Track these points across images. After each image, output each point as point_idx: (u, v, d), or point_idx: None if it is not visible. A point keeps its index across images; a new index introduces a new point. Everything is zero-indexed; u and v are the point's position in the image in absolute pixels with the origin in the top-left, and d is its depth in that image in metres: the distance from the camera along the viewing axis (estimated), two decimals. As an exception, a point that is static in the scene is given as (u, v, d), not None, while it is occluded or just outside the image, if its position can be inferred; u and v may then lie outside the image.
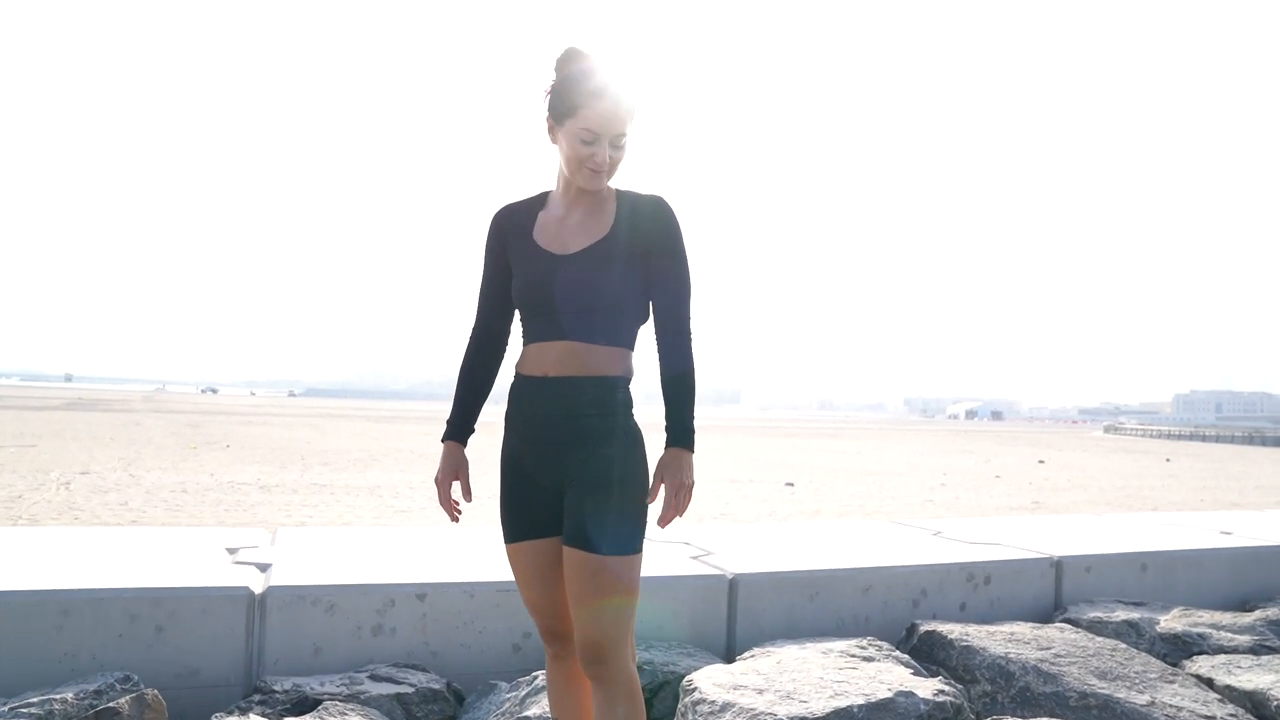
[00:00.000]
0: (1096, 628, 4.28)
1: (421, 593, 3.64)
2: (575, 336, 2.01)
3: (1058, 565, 4.86)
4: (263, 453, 20.58)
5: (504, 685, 3.23)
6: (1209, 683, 3.73)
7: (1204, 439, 64.11)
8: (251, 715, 2.80)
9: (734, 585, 4.10)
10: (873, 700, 2.93)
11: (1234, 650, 4.12)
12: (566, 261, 2.04)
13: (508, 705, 2.88)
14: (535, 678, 2.94)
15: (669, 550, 4.64)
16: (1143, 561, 5.13)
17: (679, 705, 3.12)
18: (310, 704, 3.04)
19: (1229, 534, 6.00)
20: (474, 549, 4.40)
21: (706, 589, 4.06)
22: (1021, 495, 16.48)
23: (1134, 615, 4.42)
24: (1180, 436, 67.11)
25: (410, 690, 3.22)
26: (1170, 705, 3.38)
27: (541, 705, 2.66)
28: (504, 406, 2.16)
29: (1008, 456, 31.64)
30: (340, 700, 3.05)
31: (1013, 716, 3.20)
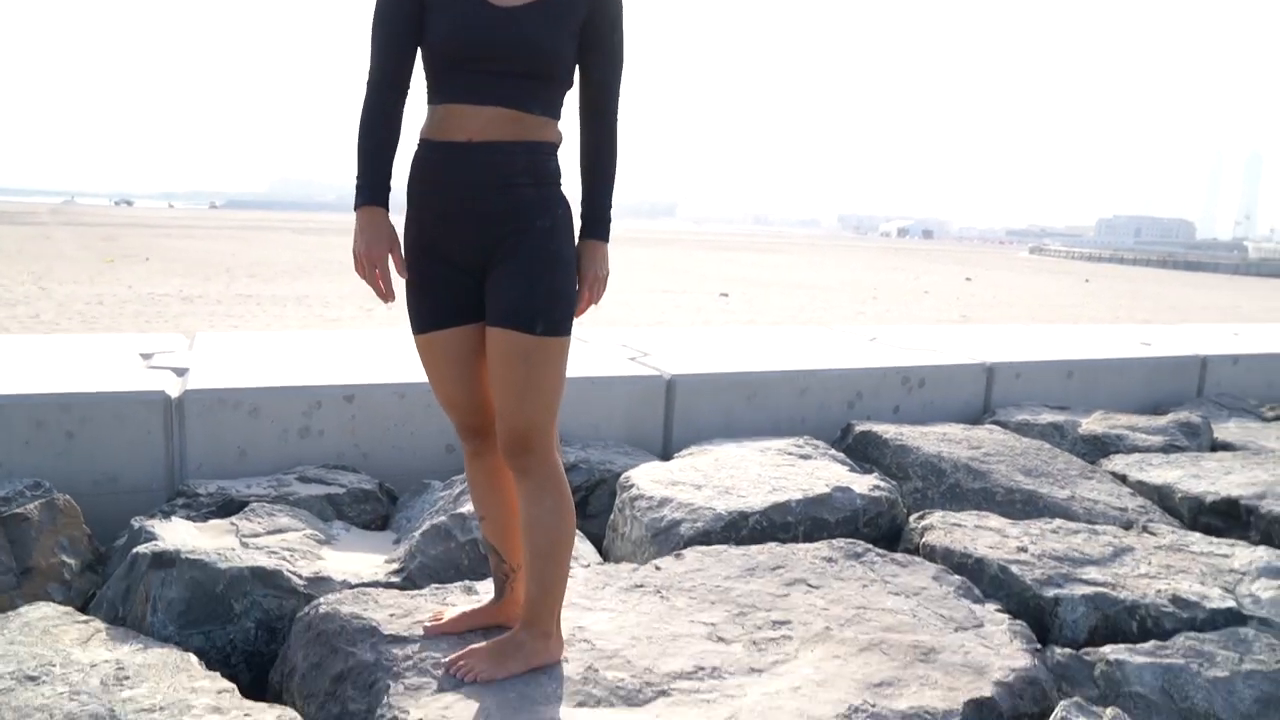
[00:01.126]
0: (1024, 429, 4.39)
1: (349, 394, 3.52)
2: (510, 102, 1.77)
3: (990, 370, 4.94)
4: (185, 265, 19.83)
5: (437, 484, 3.18)
6: (1123, 479, 3.87)
7: (1123, 262, 66.15)
8: (174, 519, 2.69)
9: (671, 386, 4.06)
10: (810, 495, 2.95)
11: (1147, 449, 4.27)
12: (508, 16, 1.77)
13: (441, 503, 2.82)
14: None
15: (606, 351, 4.56)
16: (1069, 369, 5.24)
17: (616, 501, 3.11)
18: (236, 506, 2.94)
19: (1148, 344, 6.16)
20: (404, 351, 4.26)
21: (644, 389, 4.02)
22: (949, 310, 16.85)
23: (1059, 418, 4.54)
24: (1101, 259, 69.13)
25: (341, 491, 3.14)
26: (1087, 499, 3.50)
27: (476, 502, 2.60)
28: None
29: (937, 274, 32.22)
30: (268, 502, 2.97)
31: (942, 510, 3.27)
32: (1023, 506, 3.42)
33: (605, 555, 3.03)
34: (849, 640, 2.01)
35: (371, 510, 3.17)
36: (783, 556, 2.44)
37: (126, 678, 1.76)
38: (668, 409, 4.10)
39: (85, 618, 2.10)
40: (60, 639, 1.98)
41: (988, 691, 1.83)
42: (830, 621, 2.10)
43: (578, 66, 1.88)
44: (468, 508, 2.53)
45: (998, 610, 2.28)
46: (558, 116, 1.87)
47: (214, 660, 2.14)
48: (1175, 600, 2.41)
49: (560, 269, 1.82)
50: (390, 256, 1.87)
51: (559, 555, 1.81)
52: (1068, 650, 2.20)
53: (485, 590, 2.19)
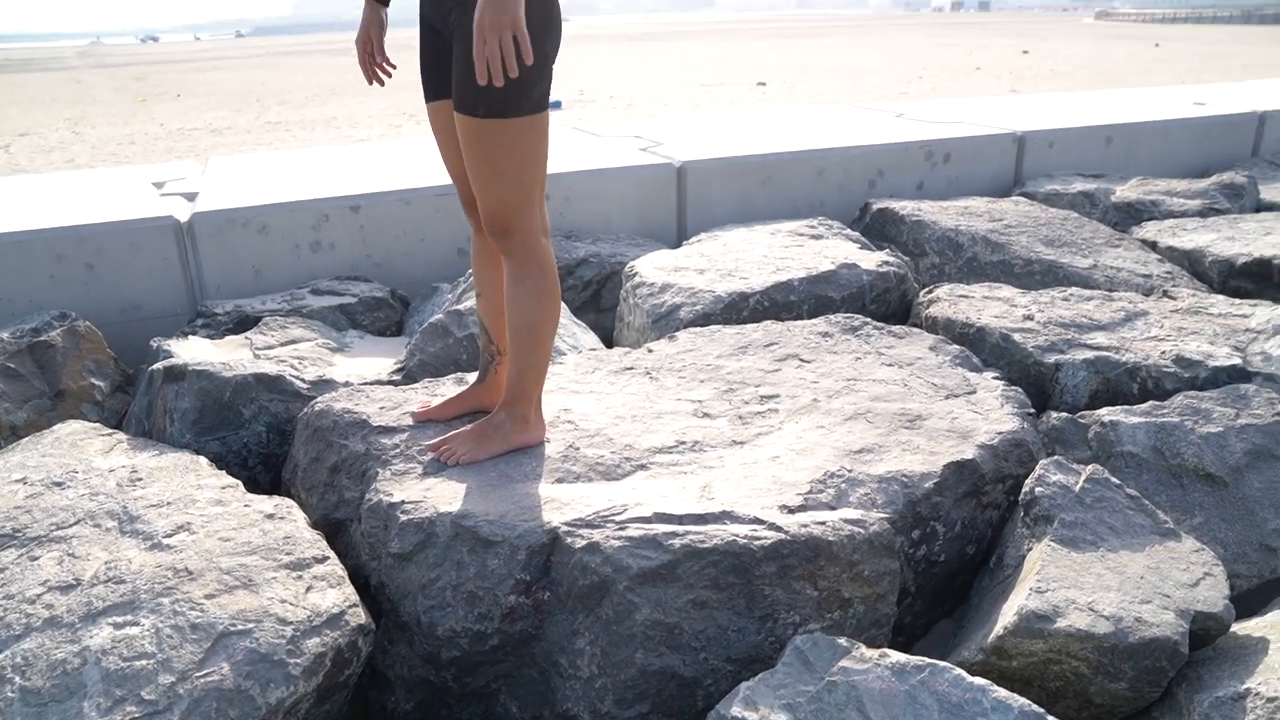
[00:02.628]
0: (1053, 200, 4.23)
1: (355, 204, 3.51)
2: None
3: (1020, 140, 4.71)
4: (217, 98, 19.53)
5: (445, 286, 3.21)
6: (1153, 245, 3.74)
7: (1201, 20, 61.32)
8: (192, 338, 2.78)
9: (682, 173, 3.97)
10: (814, 273, 2.91)
11: (1183, 214, 4.10)
12: None
13: (448, 304, 2.85)
14: (470, 274, 2.88)
15: (617, 143, 4.45)
16: (1108, 134, 4.97)
17: (620, 291, 3.11)
18: (252, 322, 3.02)
19: (1201, 104, 5.79)
20: (409, 158, 4.21)
21: (654, 178, 3.93)
22: (999, 85, 15.97)
23: (1091, 186, 4.35)
24: (1176, 20, 64.10)
25: (353, 300, 3.19)
26: (1110, 267, 3.40)
27: (472, 299, 2.62)
28: None
29: (992, 48, 30.32)
30: (282, 315, 3.03)
31: (958, 284, 3.22)
32: (1041, 277, 3.35)
33: (612, 345, 3.07)
34: (835, 411, 2.03)
35: (385, 317, 3.23)
36: (777, 333, 2.44)
37: (139, 479, 1.87)
38: (679, 197, 4.02)
39: (109, 431, 2.21)
40: (85, 450, 2.10)
41: (969, 454, 1.85)
42: (818, 394, 2.12)
43: None
44: (467, 304, 2.55)
45: (994, 378, 2.27)
46: None
47: (232, 464, 2.26)
48: (1178, 360, 2.37)
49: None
50: (366, 46, 1.94)
51: (538, 337, 1.82)
52: (1064, 414, 2.20)
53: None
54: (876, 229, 3.86)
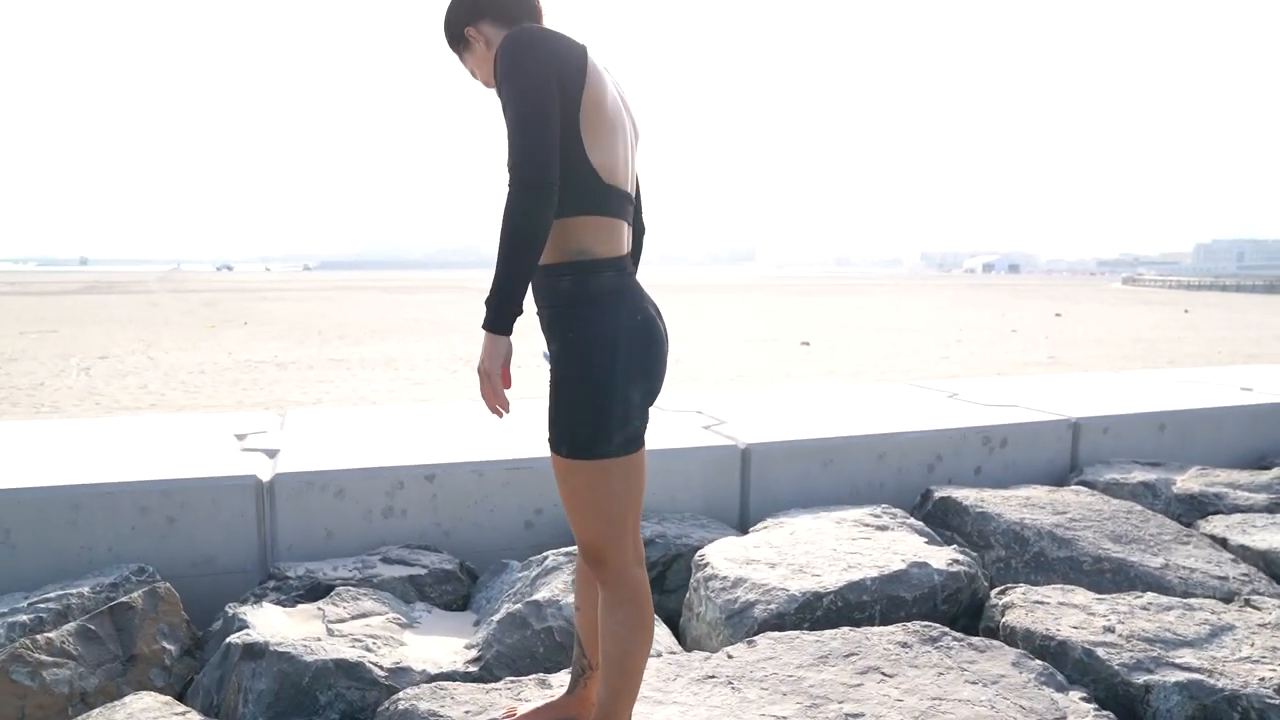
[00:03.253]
0: (1113, 490, 4.25)
1: (430, 474, 3.62)
2: None
3: (1075, 427, 4.80)
4: (280, 328, 20.68)
5: (515, 564, 3.24)
6: (1223, 542, 3.71)
7: (1224, 289, 63.42)
8: (265, 604, 2.81)
9: (746, 455, 4.07)
10: (886, 572, 2.91)
11: (1249, 509, 4.08)
12: None
13: (519, 585, 2.88)
14: (545, 557, 2.92)
15: (681, 419, 4.60)
16: (1161, 421, 5.05)
17: (691, 580, 3.12)
18: (323, 589, 3.05)
19: (1249, 390, 5.90)
20: (482, 428, 4.37)
21: (719, 459, 4.03)
22: (1037, 350, 16.40)
23: (1150, 476, 4.38)
24: (1200, 287, 66.41)
25: (423, 572, 3.23)
26: (1184, 567, 3.36)
27: (551, 588, 2.65)
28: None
29: (1024, 310, 31.43)
30: (353, 585, 3.07)
31: (1026, 583, 3.18)
32: (1112, 577, 3.31)
33: (681, 634, 3.04)
34: (925, 736, 1.97)
35: (453, 590, 3.25)
36: (856, 642, 2.41)
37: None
38: (743, 478, 4.10)
39: (183, 709, 2.20)
40: (159, 732, 2.08)
41: (1071, 794, 1.78)
42: (905, 714, 2.06)
43: None
44: (543, 594, 2.57)
45: (1082, 699, 2.21)
46: (569, 211, 1.77)
47: (302, 751, 2.22)
48: None
49: (573, 391, 1.76)
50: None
51: (630, 665, 1.83)
52: (1159, 744, 2.11)
53: (559, 683, 2.23)
54: (939, 517, 3.88)
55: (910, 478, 4.39)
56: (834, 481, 4.23)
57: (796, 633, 2.46)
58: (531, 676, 2.23)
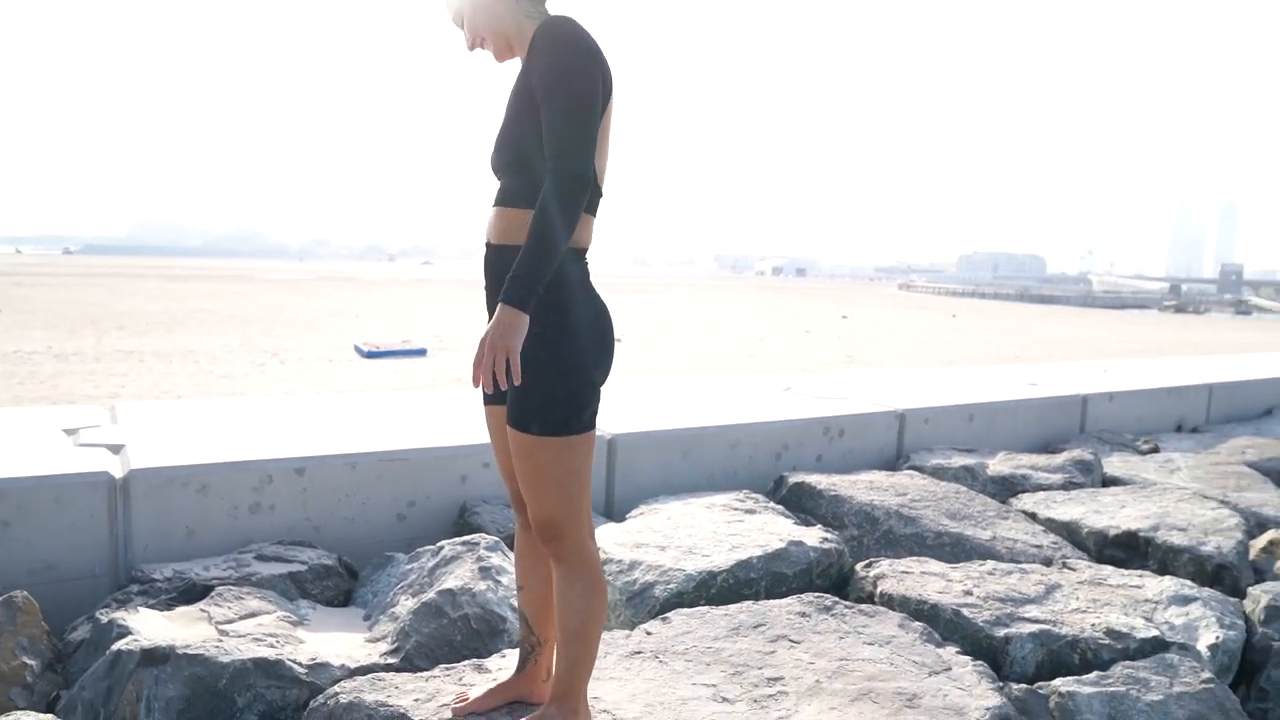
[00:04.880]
0: (939, 473, 4.69)
1: (300, 467, 3.49)
2: (500, 201, 1.89)
3: (901, 417, 5.25)
4: (44, 316, 18.77)
5: (401, 556, 3.19)
6: (1033, 516, 4.20)
7: (983, 296, 70.07)
8: (140, 609, 2.63)
9: (613, 445, 4.18)
10: (768, 551, 3.11)
11: (1050, 487, 4.64)
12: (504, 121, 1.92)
13: (414, 577, 2.85)
14: (441, 547, 2.90)
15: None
16: (970, 412, 5.62)
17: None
18: (199, 590, 2.89)
19: (1034, 385, 6.65)
20: (354, 419, 4.25)
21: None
22: (833, 349, 17.54)
23: (969, 461, 4.87)
24: (963, 294, 72.99)
25: (302, 568, 3.12)
26: (1007, 538, 3.79)
27: (458, 576, 2.64)
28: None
29: (815, 312, 33.42)
30: (232, 584, 2.92)
31: (883, 557, 3.48)
32: (952, 549, 3.68)
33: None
34: (840, 692, 2.16)
35: (334, 586, 3.15)
36: (761, 614, 2.58)
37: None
38: (609, 468, 4.21)
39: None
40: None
41: (972, 733, 2.01)
42: (818, 675, 2.25)
43: None
44: (453, 583, 2.57)
45: (958, 652, 2.48)
46: None
47: (216, 756, 2.12)
48: (1109, 633, 2.67)
49: (548, 372, 1.81)
50: None
51: (588, 636, 1.89)
52: (1023, 685, 2.41)
53: (496, 666, 2.25)
54: (794, 500, 4.15)
55: (760, 465, 4.66)
56: (693, 470, 4.43)
57: (706, 608, 2.60)
58: (466, 663, 2.24)
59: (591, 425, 1.88)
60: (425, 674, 2.18)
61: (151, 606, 2.76)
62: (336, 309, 25.06)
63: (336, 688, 2.02)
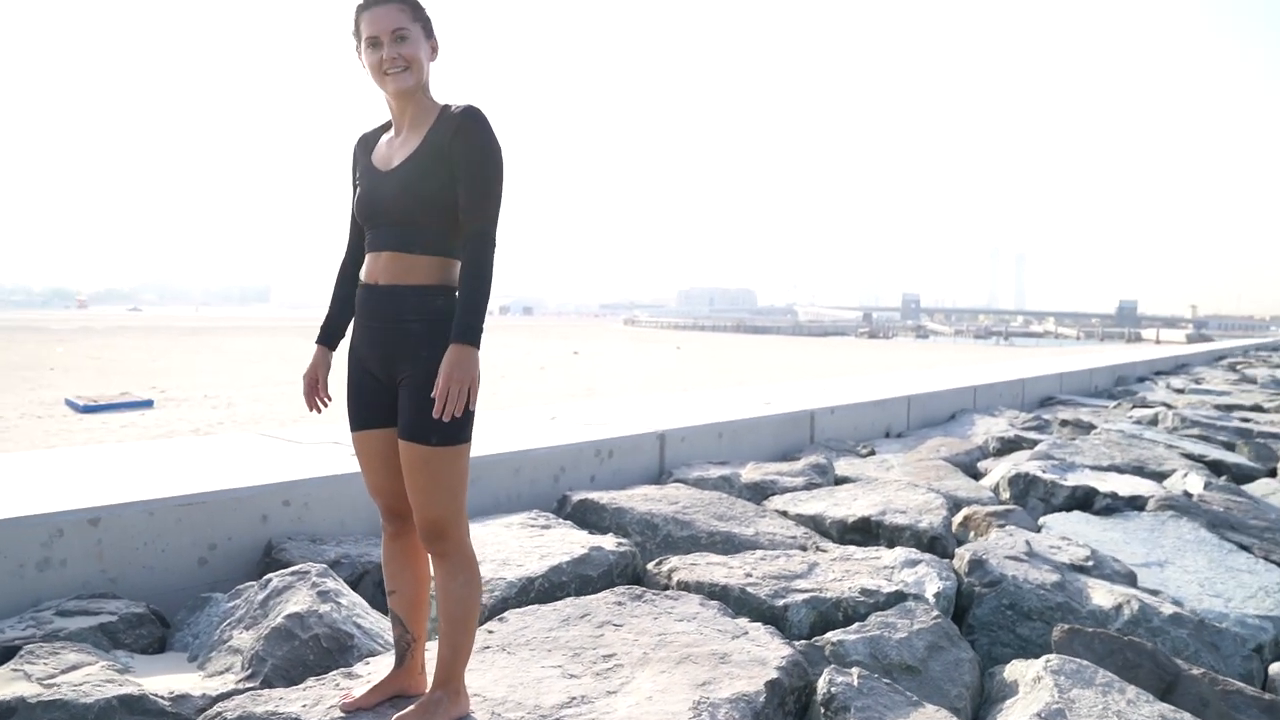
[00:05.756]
0: (701, 483, 5.27)
1: (94, 517, 3.39)
2: (396, 247, 2.15)
3: (661, 437, 5.80)
4: None
5: (219, 596, 3.21)
6: (784, 513, 4.86)
7: (703, 329, 74.64)
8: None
9: (408, 479, 4.36)
10: (573, 557, 3.47)
11: (794, 489, 5.35)
12: (387, 176, 2.16)
13: (241, 611, 2.90)
14: (269, 580, 2.98)
15: (329, 450, 4.71)
16: (719, 430, 6.30)
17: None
18: (1, 653, 2.77)
19: (769, 404, 7.51)
20: (144, 466, 4.11)
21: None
22: (574, 383, 18.20)
23: (725, 471, 5.49)
24: (685, 327, 77.38)
25: (112, 618, 3.05)
26: (767, 532, 4.39)
27: (298, 602, 2.75)
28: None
29: (547, 349, 34.19)
30: (38, 641, 2.83)
31: (669, 555, 3.94)
32: (723, 545, 4.21)
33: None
34: (665, 659, 2.55)
35: (148, 634, 3.11)
36: (584, 607, 2.92)
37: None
38: (405, 499, 4.38)
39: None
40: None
41: (775, 674, 2.47)
42: (644, 648, 2.62)
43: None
44: (296, 607, 2.69)
45: (750, 621, 2.96)
46: (456, 256, 2.18)
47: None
48: (863, 592, 3.28)
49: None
50: (314, 383, 2.34)
51: (469, 623, 2.15)
52: (803, 641, 2.93)
53: (364, 672, 2.42)
54: (579, 516, 4.53)
55: (542, 487, 5.00)
56: (482, 495, 4.68)
57: (535, 605, 2.90)
58: (335, 672, 2.38)
59: (470, 436, 2.17)
60: (301, 686, 2.31)
61: (-48, 672, 2.63)
62: (24, 362, 22.40)
63: (216, 709, 2.12)
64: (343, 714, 2.16)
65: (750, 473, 5.56)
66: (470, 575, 2.17)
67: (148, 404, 12.49)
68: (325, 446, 4.85)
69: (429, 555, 2.18)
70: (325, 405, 2.38)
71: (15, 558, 3.22)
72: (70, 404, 12.13)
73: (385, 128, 2.33)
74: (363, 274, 2.24)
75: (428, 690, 2.20)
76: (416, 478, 2.11)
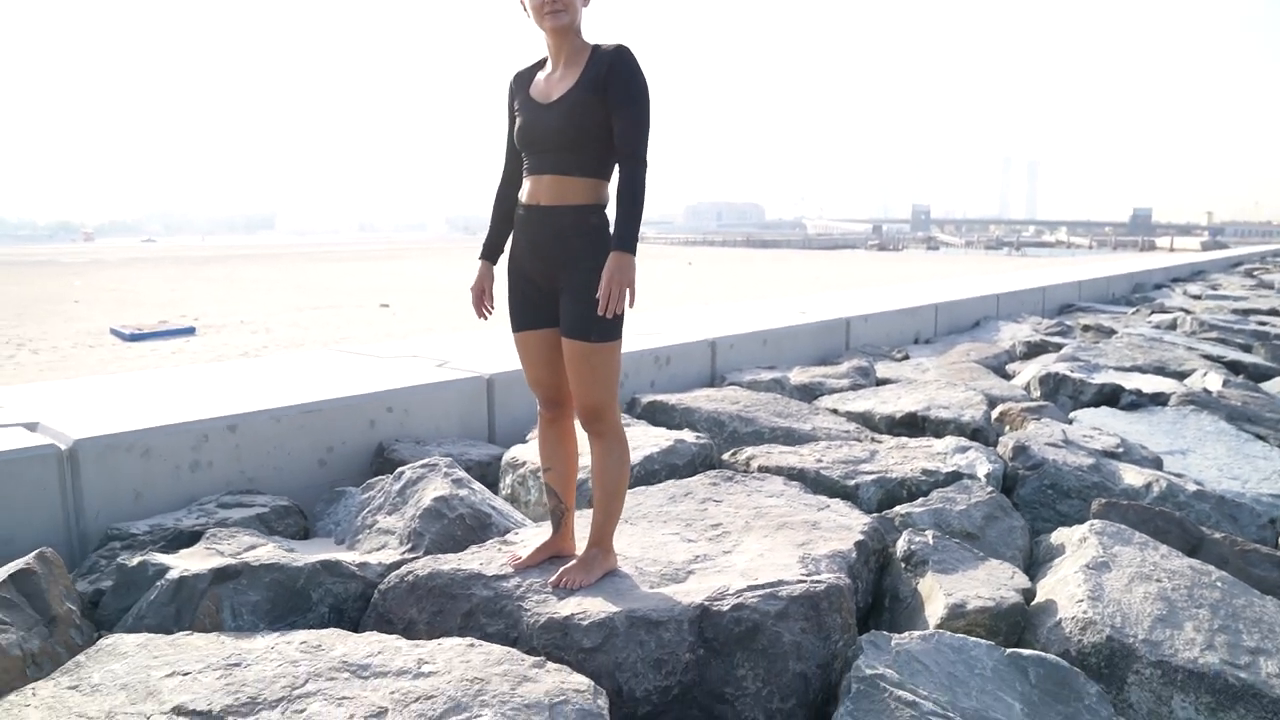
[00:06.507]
0: (755, 386, 5.66)
1: (232, 424, 3.80)
2: (557, 170, 2.48)
3: (713, 345, 6.18)
4: None
5: (353, 490, 3.63)
6: (835, 411, 5.25)
7: (712, 244, 74.40)
8: (155, 553, 2.94)
9: (491, 384, 4.75)
10: (662, 448, 3.88)
11: (840, 390, 5.74)
12: (549, 109, 2.49)
13: (379, 501, 3.30)
14: (402, 473, 3.37)
15: (412, 363, 5.09)
16: (764, 338, 6.66)
17: (511, 478, 3.80)
18: (187, 537, 3.20)
19: (804, 313, 7.86)
20: (258, 381, 4.51)
21: (471, 389, 4.68)
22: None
23: (775, 375, 5.88)
24: (694, 243, 77.02)
25: (265, 509, 3.48)
26: (824, 427, 4.79)
27: (436, 489, 3.15)
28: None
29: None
30: (213, 527, 3.25)
31: (743, 445, 4.35)
32: (785, 438, 4.62)
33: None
34: (765, 526, 2.96)
35: (294, 524, 3.55)
36: (685, 487, 3.34)
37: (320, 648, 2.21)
38: (489, 404, 4.78)
39: (169, 635, 2.42)
40: (192, 648, 2.33)
41: (861, 537, 2.89)
42: (745, 518, 3.03)
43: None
44: (439, 492, 3.10)
45: (827, 496, 3.38)
46: (606, 177, 2.52)
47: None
48: (924, 472, 3.69)
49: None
50: (480, 293, 2.67)
51: (621, 491, 2.56)
52: (875, 514, 3.35)
53: (517, 539, 2.85)
54: (650, 416, 4.93)
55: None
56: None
57: (644, 487, 3.32)
58: (492, 540, 2.81)
59: (622, 335, 2.53)
60: (468, 551, 2.74)
61: (163, 551, 3.05)
62: (46, 296, 22.75)
63: (406, 568, 2.54)
64: (513, 570, 2.58)
65: (798, 375, 5.94)
66: (622, 452, 2.57)
67: (190, 331, 12.88)
68: (404, 360, 5.23)
69: (588, 435, 2.57)
70: (490, 313, 2.73)
71: (172, 460, 3.64)
72: (116, 333, 12.53)
73: (539, 65, 2.63)
74: (523, 196, 2.57)
75: (580, 551, 2.62)
76: (579, 369, 2.48)
